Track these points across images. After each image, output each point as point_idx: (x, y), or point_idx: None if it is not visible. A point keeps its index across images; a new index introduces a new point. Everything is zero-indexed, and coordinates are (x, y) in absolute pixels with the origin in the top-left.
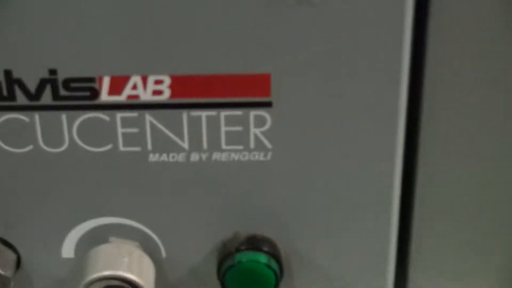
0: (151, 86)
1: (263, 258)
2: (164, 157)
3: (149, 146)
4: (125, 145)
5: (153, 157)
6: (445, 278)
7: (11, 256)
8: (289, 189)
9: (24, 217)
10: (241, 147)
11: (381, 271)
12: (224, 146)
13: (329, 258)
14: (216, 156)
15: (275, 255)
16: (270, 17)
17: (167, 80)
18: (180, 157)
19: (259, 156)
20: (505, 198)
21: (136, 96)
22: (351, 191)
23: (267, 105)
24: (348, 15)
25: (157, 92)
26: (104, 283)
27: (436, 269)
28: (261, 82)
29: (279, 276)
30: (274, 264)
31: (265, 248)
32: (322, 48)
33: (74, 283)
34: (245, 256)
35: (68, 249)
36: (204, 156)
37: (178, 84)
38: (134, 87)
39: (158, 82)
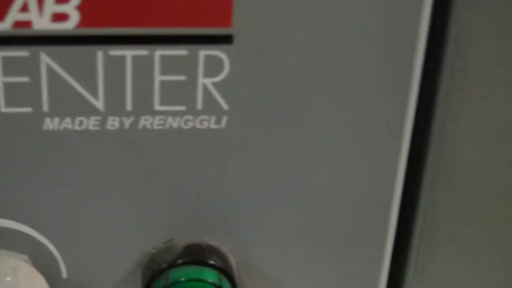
0: (50, 6)
1: (210, 274)
2: (67, 123)
3: (45, 106)
4: (8, 104)
5: (50, 123)
6: None
7: None
8: (249, 172)
9: None
10: (183, 107)
11: None
12: (157, 107)
13: (295, 271)
14: (145, 121)
15: (226, 270)
16: None
17: None
18: (92, 123)
19: (209, 123)
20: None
21: (28, 23)
22: (339, 181)
23: (225, 40)
24: None
25: (59, 17)
26: None
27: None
28: (218, 5)
29: None
30: (225, 283)
31: (213, 261)
32: None
33: None
34: (184, 273)
35: None
36: (127, 122)
37: (91, 4)
38: (24, 8)
39: (61, 0)
